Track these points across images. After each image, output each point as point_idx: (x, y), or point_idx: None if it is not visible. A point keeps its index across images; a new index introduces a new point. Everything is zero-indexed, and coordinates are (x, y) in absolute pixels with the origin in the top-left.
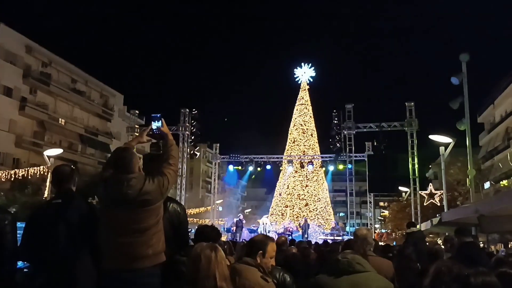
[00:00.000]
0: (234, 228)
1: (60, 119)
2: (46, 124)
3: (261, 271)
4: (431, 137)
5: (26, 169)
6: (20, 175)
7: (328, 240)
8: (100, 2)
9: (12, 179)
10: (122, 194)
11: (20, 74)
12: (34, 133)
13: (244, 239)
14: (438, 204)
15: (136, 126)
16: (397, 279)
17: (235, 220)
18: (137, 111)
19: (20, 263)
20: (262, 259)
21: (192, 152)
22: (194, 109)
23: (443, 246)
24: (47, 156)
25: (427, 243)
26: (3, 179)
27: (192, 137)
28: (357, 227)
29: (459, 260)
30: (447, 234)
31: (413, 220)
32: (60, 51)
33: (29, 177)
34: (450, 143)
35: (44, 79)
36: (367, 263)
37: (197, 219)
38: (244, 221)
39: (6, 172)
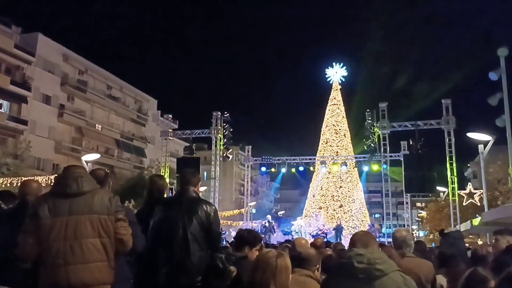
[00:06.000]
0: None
1: (97, 125)
2: (83, 130)
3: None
4: (470, 135)
5: None
6: None
7: None
8: (133, 10)
9: (53, 184)
10: None
11: (58, 82)
12: (72, 139)
13: (279, 241)
14: (478, 204)
15: (170, 130)
16: (447, 280)
17: (263, 222)
18: (170, 115)
19: None
20: (316, 273)
21: (224, 154)
22: (226, 112)
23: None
24: (85, 161)
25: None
26: (44, 184)
27: (225, 140)
28: (394, 229)
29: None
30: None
31: (452, 221)
32: (95, 59)
33: None
34: (489, 141)
35: (81, 86)
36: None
37: (231, 221)
38: (272, 223)
39: (47, 177)
